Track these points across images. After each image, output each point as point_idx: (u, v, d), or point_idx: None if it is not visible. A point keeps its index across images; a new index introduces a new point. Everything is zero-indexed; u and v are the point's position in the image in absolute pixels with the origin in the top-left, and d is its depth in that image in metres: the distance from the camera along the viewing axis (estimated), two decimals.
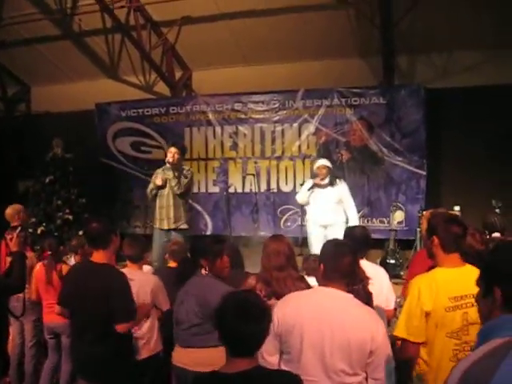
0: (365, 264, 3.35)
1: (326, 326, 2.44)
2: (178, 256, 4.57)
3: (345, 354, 2.43)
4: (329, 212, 6.39)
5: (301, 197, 6.59)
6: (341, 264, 2.52)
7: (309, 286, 3.11)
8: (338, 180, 6.51)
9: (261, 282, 3.24)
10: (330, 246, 2.65)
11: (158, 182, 6.37)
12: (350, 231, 3.88)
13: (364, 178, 8.39)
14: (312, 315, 2.47)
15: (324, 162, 6.56)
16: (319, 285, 2.64)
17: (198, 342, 3.22)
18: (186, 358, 3.26)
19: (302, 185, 6.89)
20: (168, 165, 6.33)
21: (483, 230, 4.28)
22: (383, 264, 6.64)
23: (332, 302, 2.50)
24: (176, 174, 6.26)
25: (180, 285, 3.41)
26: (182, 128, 9.26)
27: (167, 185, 6.33)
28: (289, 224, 8.69)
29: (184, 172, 6.42)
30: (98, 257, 3.24)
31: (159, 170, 6.48)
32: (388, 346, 2.53)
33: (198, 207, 9.16)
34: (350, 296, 2.55)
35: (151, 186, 6.45)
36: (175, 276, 3.89)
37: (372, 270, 3.44)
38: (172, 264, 4.60)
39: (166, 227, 6.40)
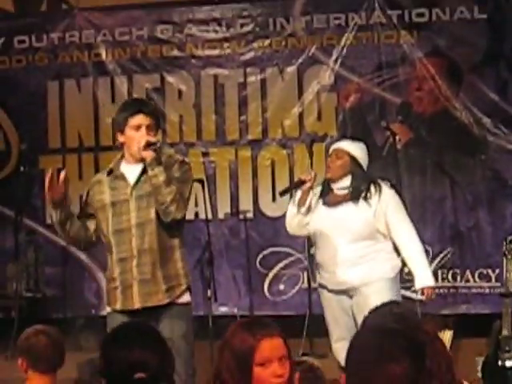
0: None
1: None
2: (47, 362, 3.21)
3: None
4: (349, 260, 4.38)
5: (290, 223, 4.73)
6: (385, 375, 1.82)
7: None
8: (373, 186, 4.42)
9: None
10: (366, 337, 1.98)
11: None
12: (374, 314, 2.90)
13: (444, 183, 6.25)
14: None
15: (344, 144, 4.63)
16: None
17: None
18: None
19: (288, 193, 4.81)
20: (131, 159, 3.83)
21: None
22: (490, 371, 4.88)
23: None
24: (160, 176, 3.83)
25: None
26: (43, 82, 6.85)
27: (132, 203, 3.88)
28: (282, 288, 6.31)
29: (179, 167, 4.01)
30: None
31: (101, 178, 3.94)
32: None
33: (82, 257, 6.69)
34: None
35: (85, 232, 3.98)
36: None
37: None
38: (34, 380, 3.19)
39: (136, 305, 3.75)
